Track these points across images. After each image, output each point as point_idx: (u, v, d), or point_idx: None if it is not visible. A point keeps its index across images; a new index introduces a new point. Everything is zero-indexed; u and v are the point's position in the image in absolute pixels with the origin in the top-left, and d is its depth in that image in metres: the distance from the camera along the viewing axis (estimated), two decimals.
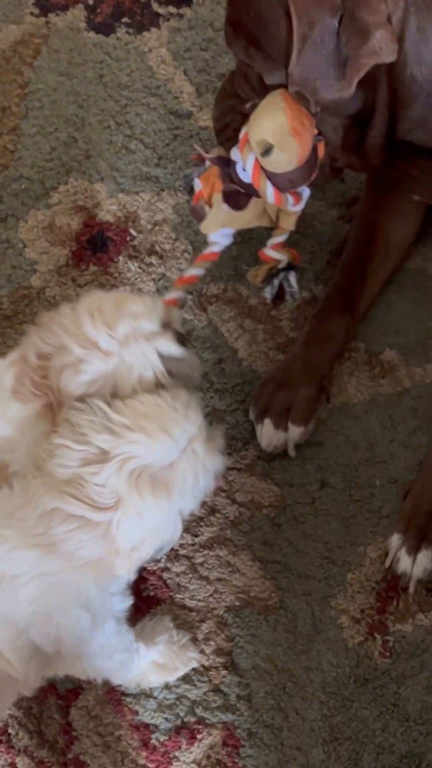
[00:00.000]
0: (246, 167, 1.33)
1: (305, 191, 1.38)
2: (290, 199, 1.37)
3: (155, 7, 1.83)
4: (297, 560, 1.50)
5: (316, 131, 1.30)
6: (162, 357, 1.13)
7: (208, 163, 1.40)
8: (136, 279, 1.65)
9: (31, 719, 1.45)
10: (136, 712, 1.45)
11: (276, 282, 1.48)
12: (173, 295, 1.45)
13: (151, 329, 1.13)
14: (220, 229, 1.42)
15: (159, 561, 1.50)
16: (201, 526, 1.52)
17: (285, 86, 1.29)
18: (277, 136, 1.28)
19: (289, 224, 1.43)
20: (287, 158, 1.30)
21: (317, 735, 1.43)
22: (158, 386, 1.13)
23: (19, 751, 1.44)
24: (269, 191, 1.35)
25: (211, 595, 1.49)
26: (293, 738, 1.42)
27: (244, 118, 1.35)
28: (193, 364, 1.21)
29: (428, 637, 1.46)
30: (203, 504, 1.51)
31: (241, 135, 1.33)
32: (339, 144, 1.38)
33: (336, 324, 1.58)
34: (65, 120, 1.75)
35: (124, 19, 1.82)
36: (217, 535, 1.52)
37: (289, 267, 1.48)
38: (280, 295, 1.49)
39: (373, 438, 1.55)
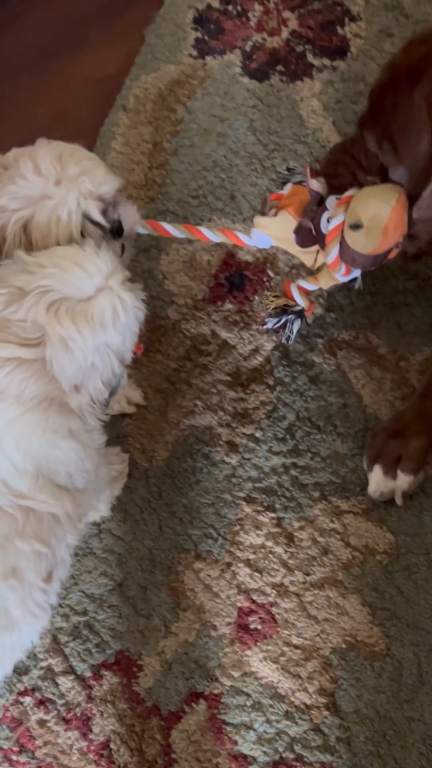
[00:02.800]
0: (330, 222, 1.39)
1: (357, 272, 1.45)
2: (343, 269, 1.43)
3: (310, 57, 1.88)
4: (407, 609, 1.51)
5: (401, 239, 1.38)
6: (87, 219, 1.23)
7: (309, 183, 1.44)
8: None
9: (133, 737, 1.49)
10: (236, 742, 1.47)
11: (283, 319, 1.53)
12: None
13: (91, 189, 1.23)
14: (267, 236, 1.45)
15: (268, 595, 1.54)
16: (313, 565, 1.54)
17: (401, 185, 1.37)
18: (371, 224, 1.35)
19: (325, 283, 1.49)
20: (365, 244, 1.37)
21: None
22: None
23: (119, 767, 1.48)
24: (333, 254, 1.41)
25: (318, 634, 1.51)
26: None
27: (355, 180, 1.42)
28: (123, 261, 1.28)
29: None
30: (316, 543, 1.55)
31: (346, 194, 1.39)
32: (426, 243, 1.45)
33: None
34: (213, 160, 1.81)
35: (279, 67, 1.88)
36: (329, 576, 1.54)
37: (300, 314, 1.53)
38: (277, 331, 1.56)
39: None
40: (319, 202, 1.43)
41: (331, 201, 1.41)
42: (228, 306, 1.71)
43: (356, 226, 1.36)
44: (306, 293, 1.52)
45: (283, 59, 1.88)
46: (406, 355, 1.64)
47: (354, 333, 1.67)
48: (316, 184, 1.43)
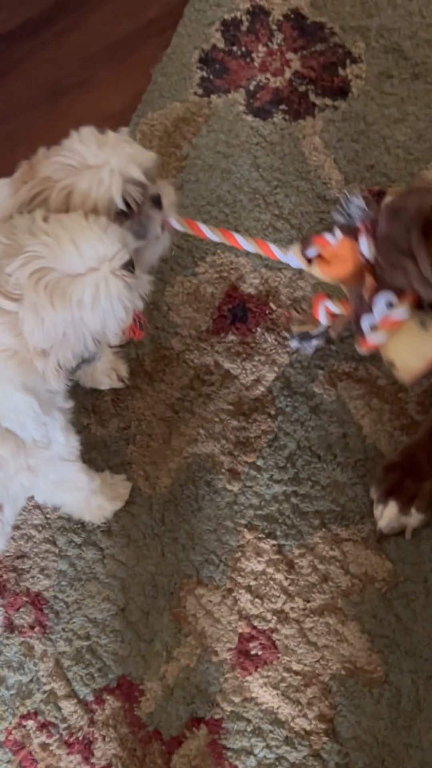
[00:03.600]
0: (392, 311, 1.35)
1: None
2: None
3: (312, 97, 1.94)
4: (405, 637, 1.54)
5: None
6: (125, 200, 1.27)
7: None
8: (271, 350, 1.73)
9: (134, 761, 1.50)
10: (236, 767, 1.49)
11: (306, 342, 1.57)
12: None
13: (131, 153, 1.28)
14: (300, 262, 1.43)
15: (269, 621, 1.56)
16: (313, 592, 1.57)
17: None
18: (402, 369, 1.39)
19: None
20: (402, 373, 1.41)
21: None
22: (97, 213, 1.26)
23: None
24: (377, 338, 1.38)
25: (318, 661, 1.54)
26: None
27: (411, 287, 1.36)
28: (156, 250, 1.34)
29: None
30: (316, 570, 1.57)
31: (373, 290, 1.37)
32: None
33: None
34: (217, 195, 1.86)
35: (282, 106, 1.93)
36: (328, 603, 1.57)
37: (325, 334, 1.56)
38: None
39: None
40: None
41: (386, 296, 1.36)
42: (231, 337, 1.75)
43: (390, 364, 1.38)
44: (333, 316, 1.52)
45: (286, 98, 1.94)
46: (405, 386, 1.68)
47: (354, 364, 1.71)
48: (366, 247, 1.36)
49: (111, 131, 1.30)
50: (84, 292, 1.18)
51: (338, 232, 1.39)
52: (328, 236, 1.39)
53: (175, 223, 1.40)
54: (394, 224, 1.33)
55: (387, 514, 1.58)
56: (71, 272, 1.17)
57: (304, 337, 1.63)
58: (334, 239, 1.39)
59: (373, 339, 1.37)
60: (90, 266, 1.18)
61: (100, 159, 1.27)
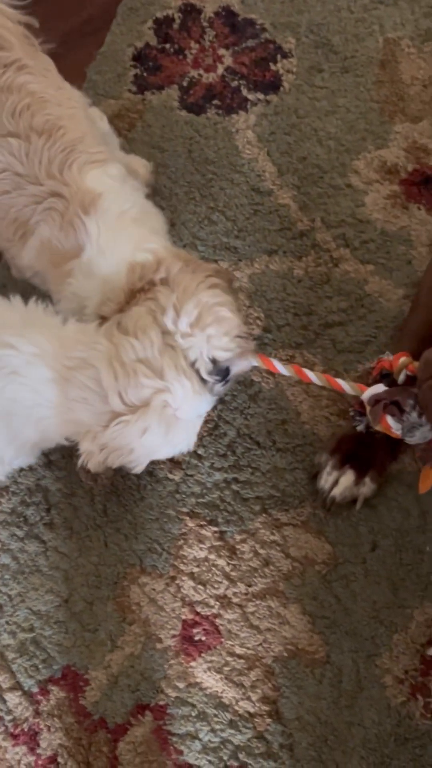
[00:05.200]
0: None
1: None
2: None
3: (244, 92, 1.96)
4: (345, 617, 1.56)
5: None
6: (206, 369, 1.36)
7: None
8: None
9: (80, 750, 1.51)
10: (181, 752, 1.50)
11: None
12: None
13: (221, 343, 1.37)
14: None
15: (212, 607, 1.57)
16: (255, 577, 1.59)
17: None
18: None
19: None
20: None
21: None
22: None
23: None
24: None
25: (261, 644, 1.55)
26: None
27: None
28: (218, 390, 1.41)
29: None
30: (258, 555, 1.59)
31: None
32: None
33: None
34: (154, 189, 1.87)
35: (215, 101, 1.96)
36: (270, 586, 1.58)
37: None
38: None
39: (425, 506, 1.62)
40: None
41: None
42: None
43: None
44: (361, 407, 1.54)
45: (219, 94, 1.96)
46: (341, 371, 1.71)
47: (291, 352, 1.73)
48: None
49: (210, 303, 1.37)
50: (182, 432, 1.37)
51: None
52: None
53: (252, 361, 1.51)
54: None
55: (343, 482, 1.61)
56: (181, 416, 1.35)
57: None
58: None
59: None
60: (192, 416, 1.37)
61: (180, 344, 1.36)
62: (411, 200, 1.85)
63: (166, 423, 1.34)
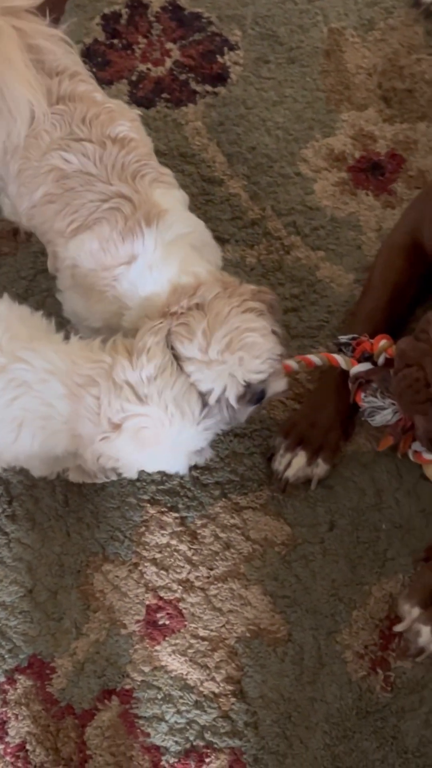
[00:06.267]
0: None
1: None
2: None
3: (193, 85, 1.99)
4: (305, 596, 1.59)
5: None
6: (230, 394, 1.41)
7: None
8: None
9: (48, 736, 1.53)
10: (148, 734, 1.52)
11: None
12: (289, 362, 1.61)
13: (252, 366, 1.41)
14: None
15: (175, 591, 1.60)
16: (216, 560, 1.61)
17: None
18: None
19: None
20: None
21: (319, 763, 1.50)
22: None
23: (35, 767, 1.51)
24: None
25: (224, 625, 1.58)
26: (297, 765, 1.50)
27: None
28: (239, 417, 1.47)
29: (427, 674, 1.54)
30: (218, 539, 1.62)
31: None
32: None
33: None
34: None
35: (164, 95, 1.98)
36: (231, 569, 1.61)
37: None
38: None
39: (380, 485, 1.65)
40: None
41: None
42: None
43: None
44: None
45: (168, 87, 1.99)
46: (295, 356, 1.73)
47: None
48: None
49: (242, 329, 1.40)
50: (163, 455, 1.42)
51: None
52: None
53: (292, 363, 1.61)
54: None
55: (296, 464, 1.64)
56: (163, 441, 1.39)
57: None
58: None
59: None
60: (175, 445, 1.41)
61: (207, 375, 1.40)
62: (359, 187, 1.88)
63: (141, 443, 1.39)
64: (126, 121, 1.54)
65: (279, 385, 1.48)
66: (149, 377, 1.37)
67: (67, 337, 1.47)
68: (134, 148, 1.51)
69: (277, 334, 1.46)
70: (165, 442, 1.39)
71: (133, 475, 1.48)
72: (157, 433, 1.38)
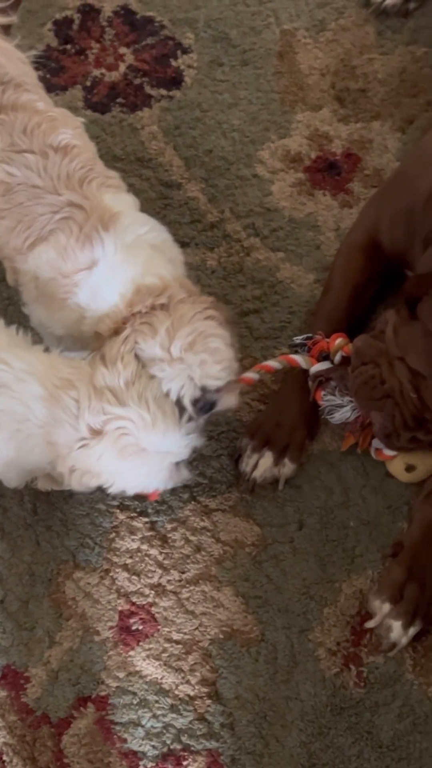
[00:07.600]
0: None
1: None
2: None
3: (147, 89, 1.99)
4: (277, 595, 1.60)
5: None
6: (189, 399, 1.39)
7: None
8: None
9: (24, 746, 1.53)
10: (125, 740, 1.53)
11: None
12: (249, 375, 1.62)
13: (212, 371, 1.40)
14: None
15: (147, 596, 1.60)
16: (187, 563, 1.62)
17: None
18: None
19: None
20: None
21: (296, 761, 1.51)
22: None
23: None
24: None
25: (197, 628, 1.59)
26: (274, 764, 1.51)
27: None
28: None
29: (399, 668, 1.55)
30: (189, 542, 1.63)
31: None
32: None
33: None
34: None
35: (119, 100, 1.98)
36: (203, 571, 1.62)
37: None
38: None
39: (347, 483, 1.67)
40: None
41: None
42: None
43: (410, 468, 1.62)
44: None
45: (123, 92, 1.99)
46: (259, 358, 1.74)
47: None
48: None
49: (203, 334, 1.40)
50: (147, 464, 1.39)
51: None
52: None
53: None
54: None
55: (263, 464, 1.65)
56: (145, 447, 1.36)
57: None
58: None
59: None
60: (160, 451, 1.38)
61: (168, 372, 1.38)
62: (316, 187, 1.90)
63: (122, 451, 1.36)
64: (68, 129, 1.53)
65: (230, 400, 1.47)
66: (127, 382, 1.36)
67: (47, 350, 1.46)
68: (77, 155, 1.50)
69: (234, 348, 1.46)
70: (148, 448, 1.38)
71: (115, 491, 1.44)
72: (139, 438, 1.36)
